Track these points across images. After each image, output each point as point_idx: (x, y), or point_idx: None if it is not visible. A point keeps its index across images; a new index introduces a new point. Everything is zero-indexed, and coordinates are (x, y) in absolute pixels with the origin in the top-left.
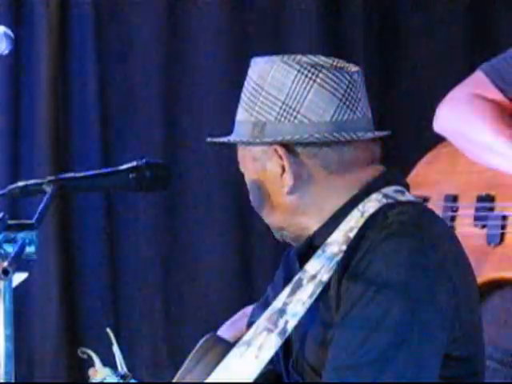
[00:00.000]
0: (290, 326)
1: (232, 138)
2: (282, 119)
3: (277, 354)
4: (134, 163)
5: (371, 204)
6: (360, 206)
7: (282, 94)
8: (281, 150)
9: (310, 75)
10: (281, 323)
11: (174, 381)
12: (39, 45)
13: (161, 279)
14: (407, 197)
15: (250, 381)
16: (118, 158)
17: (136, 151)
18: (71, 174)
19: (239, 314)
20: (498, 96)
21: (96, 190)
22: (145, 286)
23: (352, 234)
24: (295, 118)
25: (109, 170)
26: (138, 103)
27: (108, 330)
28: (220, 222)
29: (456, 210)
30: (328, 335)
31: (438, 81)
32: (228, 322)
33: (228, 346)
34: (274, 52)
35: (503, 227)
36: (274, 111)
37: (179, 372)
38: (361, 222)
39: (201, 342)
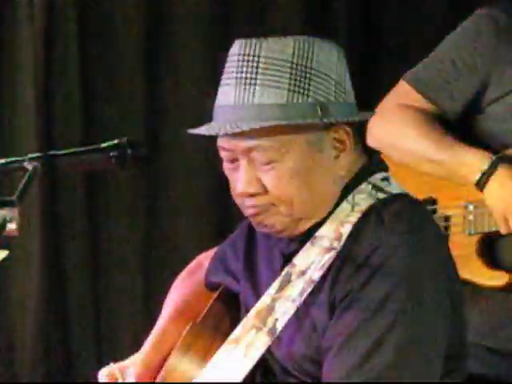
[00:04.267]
0: (280, 325)
1: (294, 121)
2: (339, 99)
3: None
4: (115, 141)
5: (361, 196)
6: (349, 198)
7: (333, 73)
8: (350, 130)
9: (343, 55)
10: (270, 322)
11: (160, 374)
12: (21, 26)
13: (141, 260)
14: (393, 186)
15: (240, 379)
16: (100, 138)
17: (117, 131)
18: (52, 152)
19: (194, 264)
20: (423, 103)
21: (77, 168)
22: (125, 267)
23: (344, 231)
24: (343, 98)
25: (90, 147)
26: (120, 84)
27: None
28: (200, 204)
29: None
30: (321, 342)
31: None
32: (183, 274)
33: (212, 335)
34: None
35: (447, 228)
36: (332, 91)
37: (166, 365)
38: (352, 217)
39: (185, 332)
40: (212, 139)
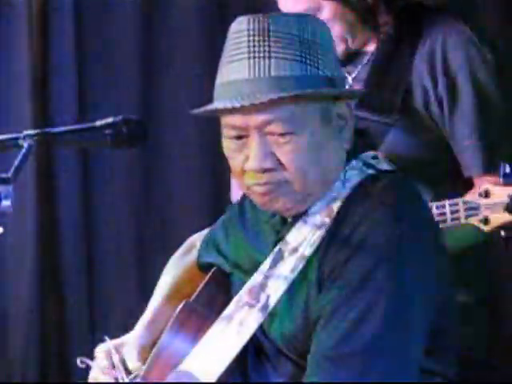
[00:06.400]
0: (272, 301)
1: (315, 91)
2: (339, 74)
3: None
4: (111, 119)
5: (352, 173)
6: (341, 175)
7: (332, 48)
8: (350, 105)
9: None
10: (262, 298)
11: (153, 352)
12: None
13: (136, 238)
14: (383, 164)
15: (232, 357)
16: (95, 116)
17: (112, 109)
18: (47, 130)
19: (186, 245)
20: None
21: (72, 146)
22: (120, 245)
23: (335, 206)
24: (341, 73)
25: (85, 125)
26: (117, 61)
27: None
28: (195, 179)
29: None
30: (309, 319)
31: None
32: (176, 255)
33: (205, 314)
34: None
35: None
36: (333, 64)
37: (158, 343)
38: (343, 193)
39: (177, 310)
40: (209, 117)
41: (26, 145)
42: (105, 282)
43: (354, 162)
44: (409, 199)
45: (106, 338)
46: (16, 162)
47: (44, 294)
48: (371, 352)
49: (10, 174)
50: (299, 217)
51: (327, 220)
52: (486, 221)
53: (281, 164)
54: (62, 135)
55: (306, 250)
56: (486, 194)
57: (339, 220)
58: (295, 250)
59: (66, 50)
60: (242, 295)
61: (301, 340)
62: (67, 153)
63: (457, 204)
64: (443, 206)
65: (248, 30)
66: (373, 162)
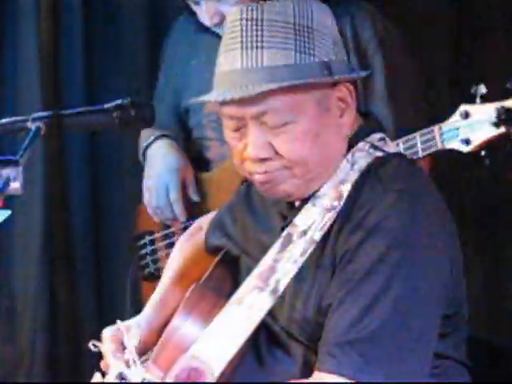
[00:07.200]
0: (282, 285)
1: (307, 80)
2: (339, 58)
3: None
4: (119, 101)
5: (360, 155)
6: (349, 156)
7: (330, 32)
8: (350, 88)
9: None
10: (272, 281)
11: (163, 335)
12: None
13: None
14: (390, 146)
15: (243, 340)
16: (103, 99)
17: (120, 91)
18: (56, 112)
19: (194, 228)
20: None
21: (80, 128)
22: (127, 227)
23: (344, 189)
24: (341, 57)
25: (93, 108)
26: (124, 44)
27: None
28: None
29: None
30: (322, 305)
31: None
32: (184, 238)
33: (215, 297)
34: None
35: None
36: (332, 50)
37: (169, 326)
38: (352, 175)
39: (188, 293)
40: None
41: (33, 127)
42: (113, 265)
43: (361, 144)
44: (420, 183)
45: (118, 321)
46: (24, 145)
47: (52, 277)
48: (382, 337)
49: (18, 157)
50: (307, 200)
51: (336, 203)
52: (467, 142)
53: (278, 153)
54: (71, 117)
55: (316, 234)
56: (467, 115)
57: (350, 204)
58: (304, 233)
59: (74, 34)
60: (252, 279)
61: (312, 325)
62: (77, 135)
63: (432, 131)
64: (413, 138)
65: (242, 19)
66: (380, 144)
